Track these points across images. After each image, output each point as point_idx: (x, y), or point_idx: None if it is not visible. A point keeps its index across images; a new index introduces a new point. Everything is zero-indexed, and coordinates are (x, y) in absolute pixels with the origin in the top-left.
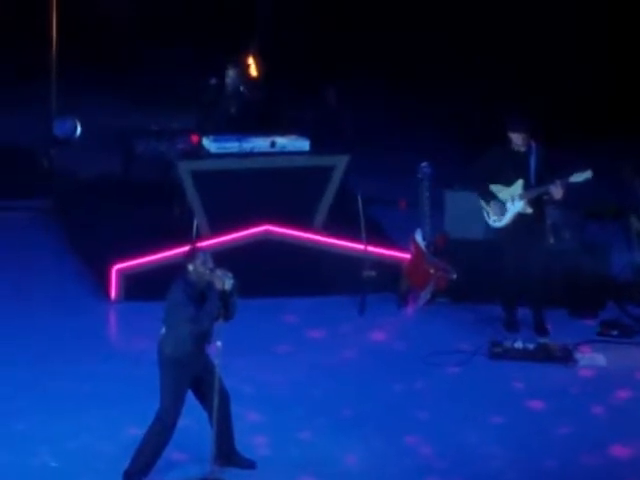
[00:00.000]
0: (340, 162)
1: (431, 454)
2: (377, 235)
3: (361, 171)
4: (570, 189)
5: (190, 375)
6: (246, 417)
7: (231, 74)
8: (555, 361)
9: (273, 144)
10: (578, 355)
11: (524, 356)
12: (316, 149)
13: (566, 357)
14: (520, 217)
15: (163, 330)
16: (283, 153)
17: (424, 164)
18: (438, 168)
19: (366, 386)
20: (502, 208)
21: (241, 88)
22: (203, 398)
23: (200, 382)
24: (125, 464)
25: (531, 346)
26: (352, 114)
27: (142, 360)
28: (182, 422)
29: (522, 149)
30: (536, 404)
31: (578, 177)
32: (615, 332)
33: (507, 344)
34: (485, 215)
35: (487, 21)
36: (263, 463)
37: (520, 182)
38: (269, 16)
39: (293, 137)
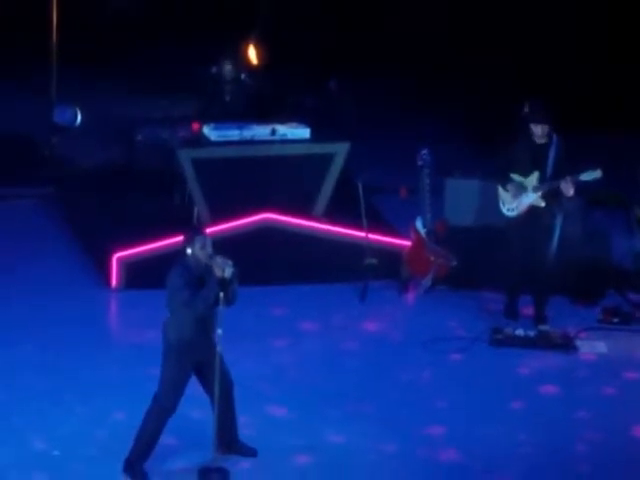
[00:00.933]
0: (341, 150)
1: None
2: (378, 223)
3: (362, 159)
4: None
5: (192, 361)
6: (257, 406)
7: (227, 67)
8: (556, 348)
9: (274, 132)
10: (579, 342)
11: (525, 343)
12: (317, 137)
13: (567, 344)
14: (532, 209)
15: (168, 315)
16: (284, 141)
17: (424, 151)
18: (438, 155)
19: (371, 375)
20: (520, 189)
21: (242, 76)
22: (206, 385)
23: (203, 369)
24: (120, 449)
25: (532, 333)
26: (353, 103)
27: (142, 347)
28: (184, 409)
29: (542, 141)
30: (548, 389)
31: (588, 176)
32: (616, 319)
33: (508, 331)
34: (500, 204)
35: (489, 13)
36: (267, 452)
37: (536, 174)
38: (271, 6)
39: (294, 125)
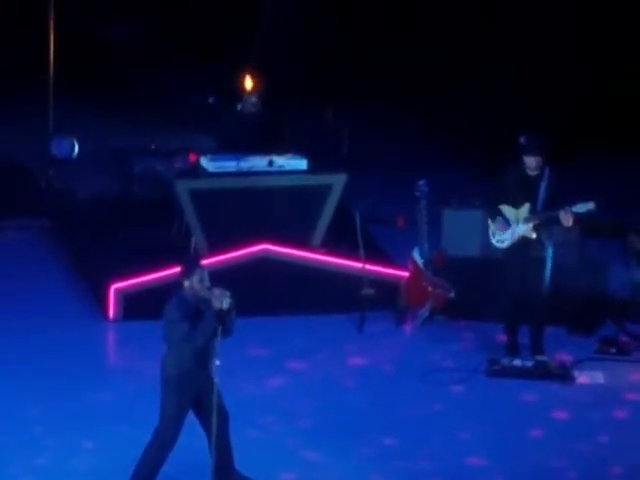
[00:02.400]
0: (338, 181)
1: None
2: (375, 253)
3: (359, 189)
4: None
5: (191, 393)
6: (248, 434)
7: (252, 100)
8: (553, 378)
9: (271, 163)
10: (576, 373)
11: (522, 374)
12: (314, 168)
13: (564, 374)
14: (523, 240)
15: (165, 348)
16: (281, 172)
17: (422, 182)
18: (436, 186)
19: (378, 408)
20: (505, 225)
21: (239, 106)
22: (202, 416)
23: (200, 400)
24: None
25: (529, 364)
26: (350, 133)
27: (140, 379)
28: (182, 440)
29: (534, 173)
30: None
31: (581, 208)
32: (613, 350)
33: (505, 362)
34: (490, 235)
35: (491, 41)
36: None
37: (527, 205)
38: (268, 35)
39: (290, 156)
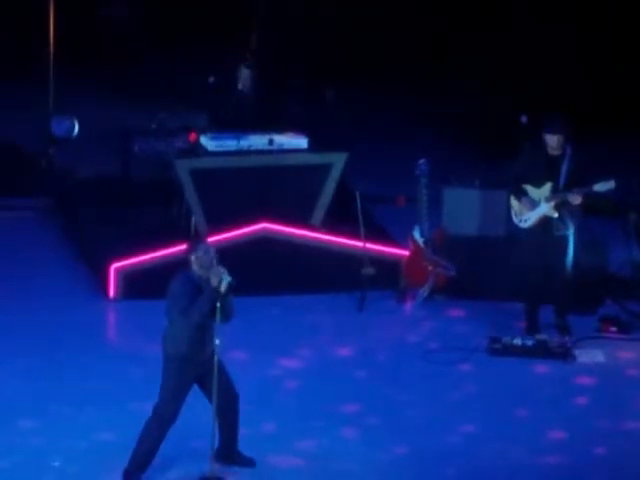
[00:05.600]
0: (339, 159)
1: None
2: (375, 232)
3: (359, 168)
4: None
5: (192, 372)
6: (250, 416)
7: (245, 73)
8: (554, 357)
9: (271, 142)
10: (577, 351)
11: (523, 352)
12: (314, 147)
13: (565, 353)
14: (546, 220)
15: (166, 325)
16: (281, 151)
17: (422, 161)
18: (436, 165)
19: (375, 386)
20: (533, 204)
21: (239, 86)
22: (209, 396)
23: (204, 380)
24: (122, 459)
25: (530, 342)
26: (351, 112)
27: (140, 358)
28: (183, 418)
29: (556, 152)
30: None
31: (601, 187)
32: (614, 328)
33: (506, 340)
34: (512, 214)
35: (490, 19)
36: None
37: (549, 185)
38: (268, 16)
39: (291, 134)
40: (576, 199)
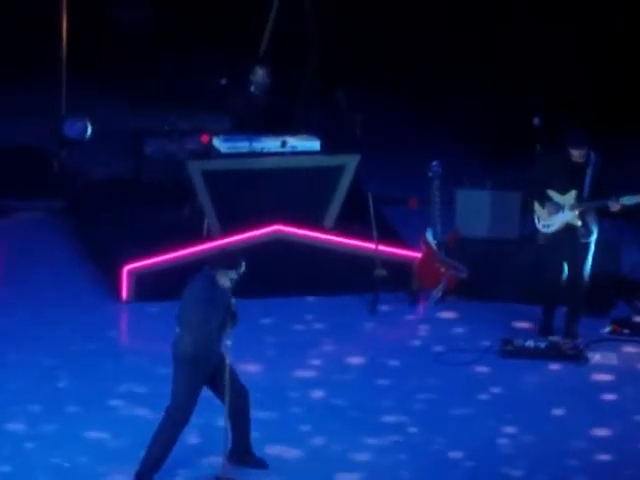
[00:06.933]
0: (351, 162)
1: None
2: (388, 234)
3: (372, 170)
4: None
5: (204, 373)
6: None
7: (260, 73)
8: (566, 359)
9: (284, 144)
10: (589, 353)
11: (536, 354)
12: (327, 149)
13: (577, 355)
14: (568, 227)
15: (178, 329)
16: (294, 153)
17: (435, 163)
18: (449, 167)
19: (388, 387)
20: (558, 209)
21: (252, 88)
22: (219, 396)
23: (216, 381)
24: (134, 463)
25: (542, 344)
26: (362, 114)
27: (152, 360)
28: (195, 419)
29: (581, 160)
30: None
31: (630, 200)
32: (626, 330)
33: (518, 342)
34: (535, 219)
35: (502, 24)
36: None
37: (573, 193)
38: (280, 19)
39: (304, 137)
40: (615, 207)
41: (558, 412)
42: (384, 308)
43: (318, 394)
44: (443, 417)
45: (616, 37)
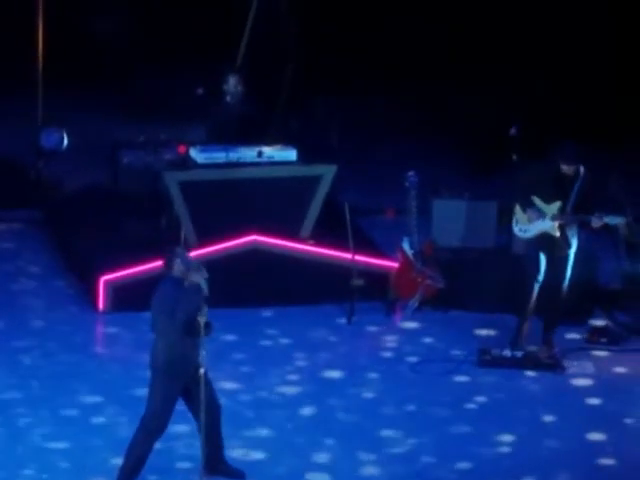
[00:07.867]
0: (327, 172)
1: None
2: (365, 244)
3: (348, 180)
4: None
5: (179, 383)
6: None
7: (232, 82)
8: (543, 368)
9: (260, 154)
10: (566, 363)
11: (513, 364)
12: (303, 159)
13: (554, 365)
14: (545, 236)
15: (154, 338)
16: (270, 163)
17: (411, 173)
18: (425, 177)
19: (365, 397)
20: (539, 216)
21: (227, 98)
22: (193, 407)
23: (190, 391)
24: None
25: (519, 354)
26: (338, 124)
27: (129, 370)
28: (171, 429)
29: (570, 174)
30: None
31: (612, 220)
32: (604, 339)
33: (495, 352)
34: (513, 222)
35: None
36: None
37: (558, 203)
38: (257, 29)
39: (280, 147)
40: (597, 224)
41: (549, 418)
42: (361, 318)
43: (307, 410)
44: (435, 428)
45: (607, 47)
